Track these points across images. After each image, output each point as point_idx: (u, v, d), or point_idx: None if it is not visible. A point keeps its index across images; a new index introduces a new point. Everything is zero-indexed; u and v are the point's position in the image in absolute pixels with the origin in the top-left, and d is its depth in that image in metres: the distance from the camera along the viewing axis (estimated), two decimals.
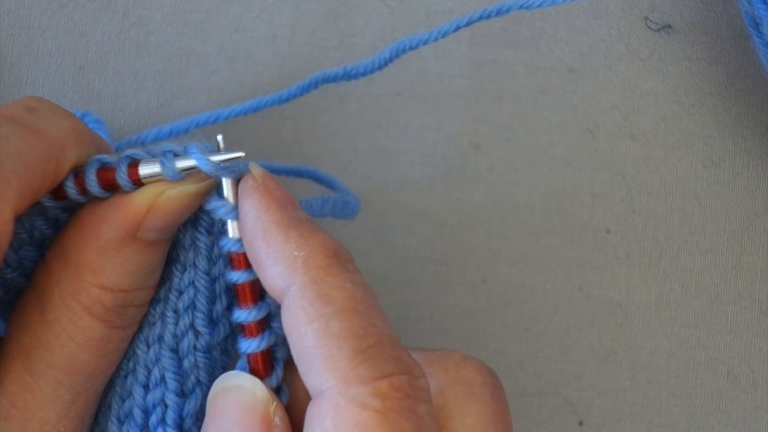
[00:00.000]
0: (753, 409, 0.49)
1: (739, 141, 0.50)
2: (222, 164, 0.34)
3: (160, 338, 0.36)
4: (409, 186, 0.49)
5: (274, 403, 0.33)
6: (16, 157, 0.32)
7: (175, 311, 0.36)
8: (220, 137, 0.35)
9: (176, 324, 0.36)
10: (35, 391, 0.34)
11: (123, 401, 0.36)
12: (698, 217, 0.50)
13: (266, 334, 0.35)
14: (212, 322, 0.36)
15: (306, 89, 0.46)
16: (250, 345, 0.34)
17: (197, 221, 0.36)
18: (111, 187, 0.35)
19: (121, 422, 0.36)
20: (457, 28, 0.45)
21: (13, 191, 0.31)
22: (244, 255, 0.34)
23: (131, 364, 0.36)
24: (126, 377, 0.36)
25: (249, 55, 0.50)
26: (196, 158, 0.34)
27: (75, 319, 0.34)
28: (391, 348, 0.31)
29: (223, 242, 0.35)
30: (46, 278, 0.35)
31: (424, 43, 0.45)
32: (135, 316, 0.36)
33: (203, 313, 0.36)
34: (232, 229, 0.35)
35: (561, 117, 0.50)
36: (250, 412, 0.33)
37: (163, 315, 0.36)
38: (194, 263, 0.36)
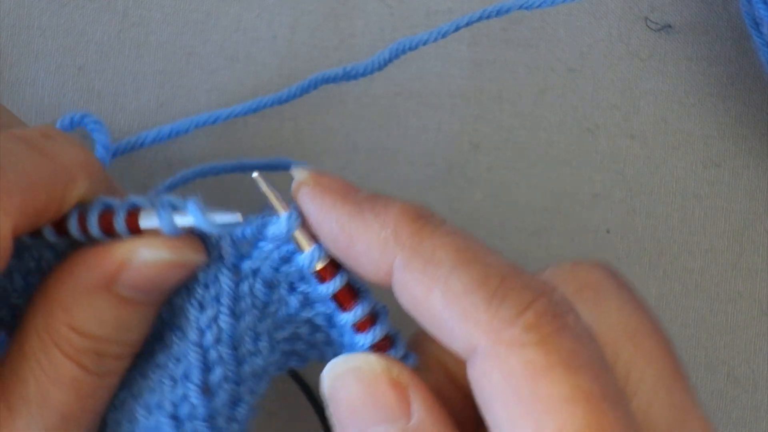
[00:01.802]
0: (753, 409, 0.49)
1: (739, 141, 0.50)
2: (218, 225, 0.33)
3: (160, 405, 0.35)
4: (409, 186, 0.49)
5: (397, 367, 0.32)
6: (21, 172, 0.32)
7: (172, 379, 0.35)
8: (255, 175, 0.34)
9: (172, 391, 0.35)
10: (10, 427, 0.33)
11: None
12: (698, 217, 0.50)
13: (378, 324, 0.33)
14: (208, 391, 0.35)
15: (306, 90, 0.46)
16: (366, 339, 0.33)
17: (191, 292, 0.35)
18: (111, 232, 0.34)
19: None
20: (457, 29, 0.45)
21: (15, 205, 0.31)
22: (329, 264, 0.33)
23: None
24: None
25: (249, 55, 0.50)
26: (194, 215, 0.33)
27: (47, 353, 0.33)
28: (517, 278, 0.30)
29: (301, 263, 0.34)
30: (27, 312, 0.34)
31: (424, 44, 0.45)
32: (113, 368, 0.35)
33: (196, 384, 0.35)
34: (304, 243, 0.33)
35: (561, 117, 0.50)
36: (374, 383, 0.32)
37: (161, 382, 0.35)
38: (185, 334, 0.35)
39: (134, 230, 0.33)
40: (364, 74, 0.46)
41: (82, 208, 0.34)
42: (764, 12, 0.45)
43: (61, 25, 0.50)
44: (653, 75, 0.50)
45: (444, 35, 0.45)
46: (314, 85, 0.46)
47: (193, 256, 0.34)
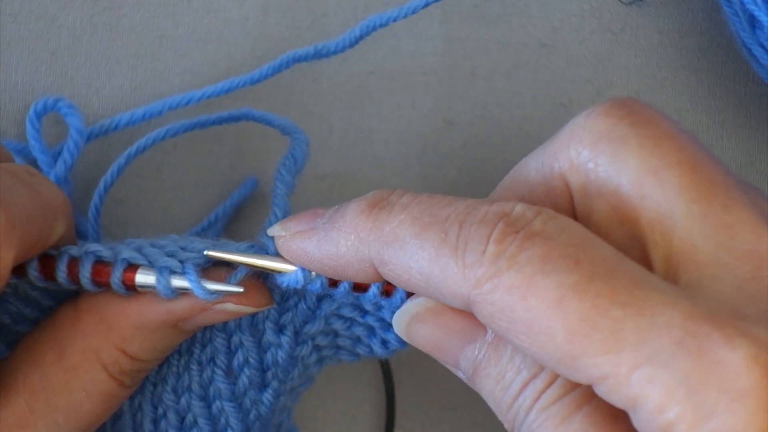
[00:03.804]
0: None
1: (712, 113, 0.50)
2: (215, 292, 0.35)
3: (189, 388, 0.38)
4: (384, 164, 0.49)
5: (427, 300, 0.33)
6: (21, 207, 0.32)
7: (199, 363, 0.38)
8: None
9: (200, 374, 0.38)
10: (31, 429, 0.34)
11: None
12: None
13: (397, 290, 0.35)
14: (232, 374, 0.38)
15: (278, 69, 0.46)
16: (398, 295, 0.35)
17: None
18: (104, 285, 0.35)
19: None
20: (427, 4, 0.45)
21: (18, 238, 0.32)
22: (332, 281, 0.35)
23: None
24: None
25: (221, 36, 0.50)
26: (191, 282, 0.34)
27: (92, 371, 0.35)
28: (473, 218, 0.30)
29: (312, 290, 0.36)
30: (72, 324, 0.36)
31: (394, 20, 0.45)
32: (141, 379, 0.37)
33: (221, 368, 0.38)
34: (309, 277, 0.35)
35: (534, 92, 0.50)
36: (436, 317, 0.33)
37: (187, 367, 0.38)
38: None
39: (130, 287, 0.35)
40: (335, 52, 0.46)
41: (71, 256, 0.35)
42: None
43: (33, 11, 0.50)
44: (626, 49, 0.50)
45: (414, 11, 0.45)
46: (286, 64, 0.46)
47: (267, 306, 0.36)
